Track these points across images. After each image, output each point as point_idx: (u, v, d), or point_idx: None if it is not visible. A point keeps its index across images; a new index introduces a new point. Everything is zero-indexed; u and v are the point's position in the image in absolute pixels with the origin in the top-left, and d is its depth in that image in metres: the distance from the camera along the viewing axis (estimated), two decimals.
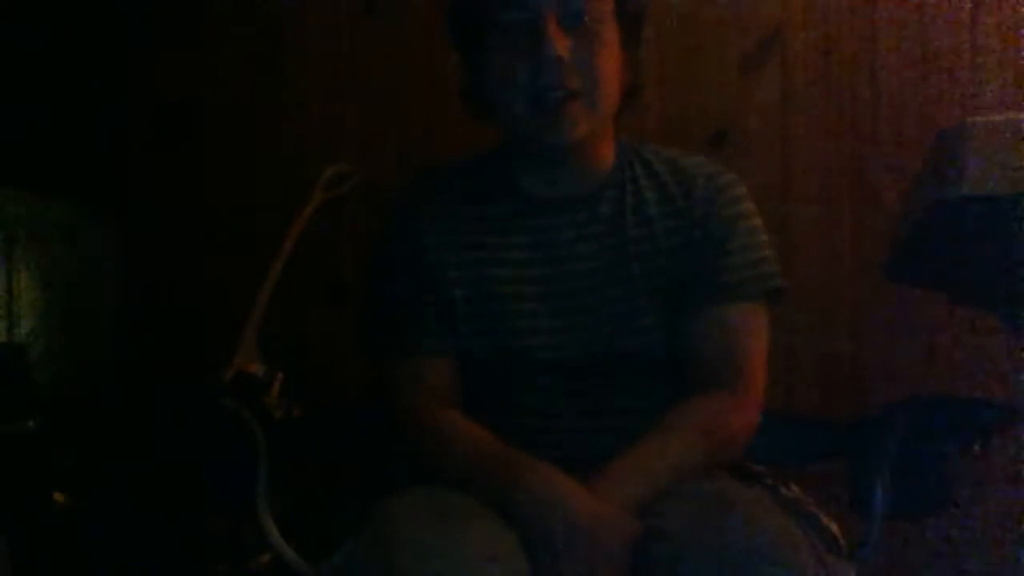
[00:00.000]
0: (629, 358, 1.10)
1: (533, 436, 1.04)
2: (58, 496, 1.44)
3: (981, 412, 1.23)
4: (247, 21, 1.95)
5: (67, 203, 1.70)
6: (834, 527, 1.09)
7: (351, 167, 1.84)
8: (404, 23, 1.90)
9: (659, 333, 1.11)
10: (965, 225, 1.59)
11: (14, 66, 1.69)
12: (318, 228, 1.77)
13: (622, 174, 1.16)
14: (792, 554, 0.86)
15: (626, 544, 0.91)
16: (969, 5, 1.76)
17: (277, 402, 1.58)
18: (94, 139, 1.88)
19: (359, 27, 1.92)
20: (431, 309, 1.13)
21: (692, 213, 1.13)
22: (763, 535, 0.86)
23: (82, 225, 1.74)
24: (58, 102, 1.77)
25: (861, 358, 1.79)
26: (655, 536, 0.90)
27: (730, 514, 0.89)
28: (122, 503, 1.52)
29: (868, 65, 1.80)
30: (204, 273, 1.93)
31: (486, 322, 1.11)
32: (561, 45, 1.04)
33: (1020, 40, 1.74)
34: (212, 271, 1.93)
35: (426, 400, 1.11)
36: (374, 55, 1.91)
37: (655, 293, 1.11)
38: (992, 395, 1.70)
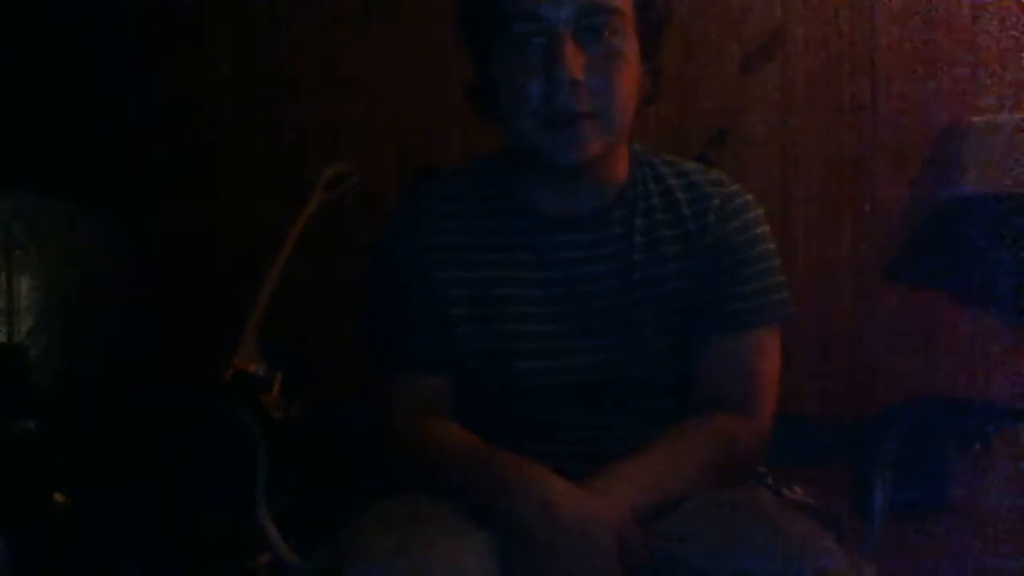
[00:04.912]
0: (633, 384, 1.08)
1: (532, 459, 0.99)
2: (58, 496, 1.44)
3: (981, 412, 1.22)
4: (247, 21, 1.95)
5: (67, 203, 1.70)
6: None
7: (351, 167, 1.84)
8: (404, 23, 1.90)
9: (665, 359, 1.08)
10: (965, 225, 1.59)
11: (14, 66, 1.69)
12: (318, 228, 1.78)
13: (634, 190, 1.12)
14: (830, 559, 0.85)
15: (614, 545, 0.88)
16: (969, 5, 1.76)
17: (277, 402, 1.59)
18: (94, 139, 1.88)
19: (359, 27, 1.92)
20: (431, 326, 1.09)
21: (704, 237, 1.09)
22: (797, 540, 0.85)
23: (82, 225, 1.74)
24: (58, 102, 1.77)
25: (861, 358, 1.79)
26: (671, 537, 0.89)
27: (755, 517, 0.88)
28: (122, 503, 1.52)
29: (868, 65, 1.80)
30: (204, 273, 1.93)
31: (487, 342, 1.08)
32: (577, 65, 0.98)
33: (1020, 40, 1.74)
34: (212, 271, 1.93)
35: (416, 411, 1.09)
36: (374, 55, 1.91)
37: (662, 318, 1.08)
38: (992, 395, 1.70)
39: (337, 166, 1.83)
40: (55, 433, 1.45)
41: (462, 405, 1.11)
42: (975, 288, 1.69)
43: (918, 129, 1.77)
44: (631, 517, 0.91)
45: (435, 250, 1.10)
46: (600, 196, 1.11)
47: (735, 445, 1.05)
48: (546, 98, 1.00)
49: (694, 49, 1.83)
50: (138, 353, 1.85)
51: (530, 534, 0.89)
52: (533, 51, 1.00)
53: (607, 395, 1.08)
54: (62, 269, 1.63)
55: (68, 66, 1.81)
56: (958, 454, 1.21)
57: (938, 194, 1.70)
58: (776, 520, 0.88)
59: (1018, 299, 1.63)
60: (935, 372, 1.76)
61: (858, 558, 1.04)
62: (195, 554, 1.55)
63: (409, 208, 1.14)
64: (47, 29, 1.76)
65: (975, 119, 1.65)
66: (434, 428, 1.07)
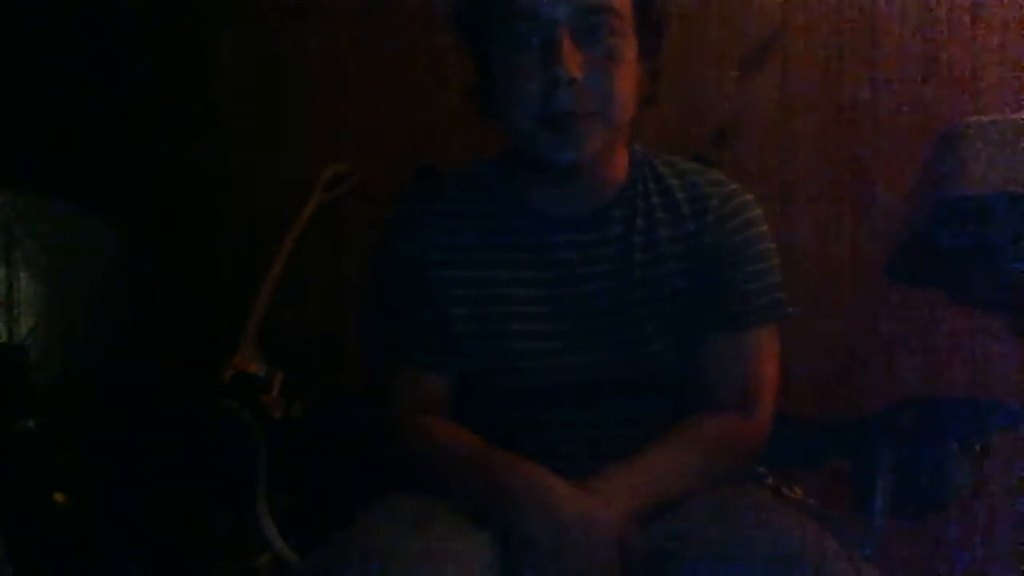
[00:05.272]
0: (633, 383, 1.08)
1: (532, 458, 0.99)
2: (58, 496, 1.44)
3: (981, 412, 1.22)
4: (248, 21, 1.95)
5: (67, 203, 1.70)
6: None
7: (351, 167, 1.84)
8: (404, 23, 1.90)
9: (664, 358, 1.08)
10: (965, 225, 1.59)
11: (14, 66, 1.69)
12: (318, 228, 1.78)
13: (634, 190, 1.12)
14: (830, 560, 0.85)
15: (614, 545, 0.89)
16: (969, 5, 1.76)
17: (277, 401, 1.59)
18: (94, 139, 1.88)
19: (359, 27, 1.92)
20: (431, 325, 1.10)
21: (703, 237, 1.09)
22: (797, 541, 0.85)
23: (82, 225, 1.74)
24: (58, 102, 1.77)
25: (861, 358, 1.79)
26: (670, 537, 0.89)
27: (754, 517, 0.88)
28: (122, 503, 1.52)
29: (868, 65, 1.80)
30: (204, 273, 1.93)
31: (487, 341, 1.09)
32: (576, 65, 0.98)
33: (1020, 40, 1.74)
34: (212, 271, 1.93)
35: (416, 409, 1.09)
36: (374, 55, 1.91)
37: (662, 317, 1.08)
38: (992, 395, 1.70)
39: (337, 166, 1.83)
40: (55, 433, 1.45)
41: (462, 405, 1.11)
42: (975, 288, 1.69)
43: (918, 129, 1.77)
44: (631, 517, 0.91)
45: (435, 250, 1.10)
46: (600, 196, 1.11)
47: (734, 445, 1.05)
48: (545, 98, 1.00)
49: (694, 49, 1.83)
50: (138, 353, 1.85)
51: (530, 535, 0.89)
52: (531, 50, 1.00)
53: (607, 395, 1.08)
54: (62, 269, 1.63)
55: (68, 65, 1.81)
56: (958, 454, 1.21)
57: (938, 194, 1.70)
58: (776, 520, 0.88)
59: (1018, 299, 1.63)
60: (935, 372, 1.76)
61: (858, 558, 1.03)
62: (195, 554, 1.55)
63: (409, 209, 1.14)
64: (47, 28, 1.76)
65: (975, 119, 1.65)
66: (434, 427, 1.07)
